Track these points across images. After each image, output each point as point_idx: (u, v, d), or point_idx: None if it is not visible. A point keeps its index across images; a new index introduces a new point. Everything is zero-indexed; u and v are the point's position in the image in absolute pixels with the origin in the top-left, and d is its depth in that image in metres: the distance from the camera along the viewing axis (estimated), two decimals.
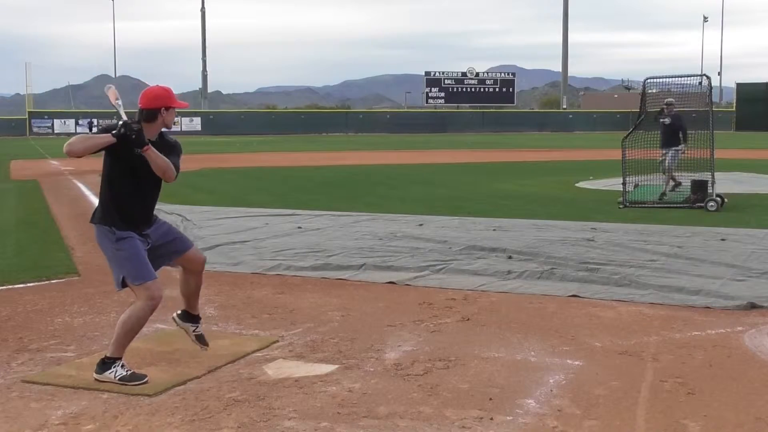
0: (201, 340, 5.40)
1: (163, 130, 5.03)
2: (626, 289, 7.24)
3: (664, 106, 14.47)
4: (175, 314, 5.46)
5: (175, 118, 5.13)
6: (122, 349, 4.83)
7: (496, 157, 31.14)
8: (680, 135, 14.30)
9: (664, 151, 14.49)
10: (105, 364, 4.77)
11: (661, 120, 14.50)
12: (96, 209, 4.99)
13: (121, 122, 4.69)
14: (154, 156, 4.78)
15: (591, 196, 16.04)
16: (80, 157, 4.76)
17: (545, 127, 77.78)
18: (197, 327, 5.42)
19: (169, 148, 4.99)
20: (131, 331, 4.83)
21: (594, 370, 4.99)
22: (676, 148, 14.32)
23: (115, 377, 4.69)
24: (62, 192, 17.96)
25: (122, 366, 4.76)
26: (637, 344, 5.54)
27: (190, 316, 5.42)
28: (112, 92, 5.11)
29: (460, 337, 5.77)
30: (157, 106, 4.90)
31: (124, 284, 4.88)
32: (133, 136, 4.67)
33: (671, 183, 14.57)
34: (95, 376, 4.76)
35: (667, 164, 14.44)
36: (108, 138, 4.68)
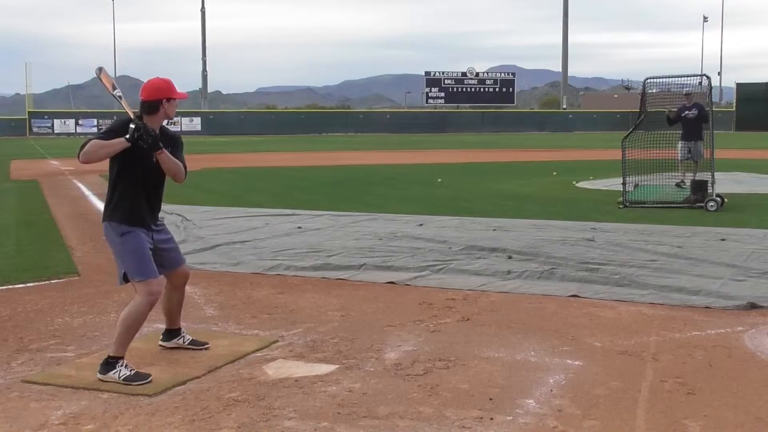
0: (195, 343, 5.42)
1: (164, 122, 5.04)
2: (626, 289, 7.24)
3: (685, 99, 14.89)
4: (159, 341, 5.47)
5: (176, 118, 5.14)
6: (124, 348, 4.83)
7: (496, 157, 31.14)
8: (703, 125, 14.74)
9: (686, 143, 14.97)
10: (108, 364, 4.76)
11: (686, 114, 14.97)
12: (105, 206, 5.01)
13: (133, 126, 4.68)
14: (167, 159, 4.82)
15: (591, 196, 16.03)
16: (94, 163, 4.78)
17: (545, 127, 77.78)
18: (182, 336, 5.44)
19: (172, 141, 5.01)
20: (132, 327, 4.84)
21: (594, 370, 4.99)
22: (700, 139, 14.72)
23: (119, 378, 4.68)
24: (62, 192, 17.96)
25: (125, 366, 4.75)
26: (637, 344, 5.54)
27: (172, 333, 5.45)
28: (105, 77, 5.06)
29: (460, 337, 5.77)
30: (159, 97, 4.90)
31: (125, 279, 4.91)
32: (150, 141, 4.69)
33: (679, 179, 14.87)
34: (99, 376, 4.75)
35: (694, 157, 14.93)
36: (123, 144, 4.68)
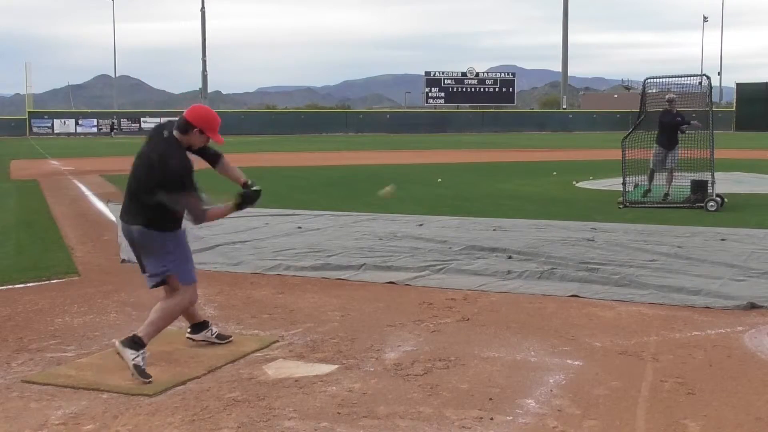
0: (221, 337, 5.54)
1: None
2: (626, 289, 7.24)
3: (668, 105, 14.36)
4: (187, 335, 5.55)
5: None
6: (151, 336, 4.93)
7: (496, 157, 31.14)
8: (678, 133, 14.20)
9: (660, 150, 14.27)
10: (135, 343, 4.80)
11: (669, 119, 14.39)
12: (130, 210, 5.04)
13: (241, 194, 5.39)
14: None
15: (591, 196, 16.04)
16: None
17: (545, 127, 77.80)
18: (211, 329, 5.54)
19: (212, 157, 5.48)
20: (170, 318, 5.06)
21: (594, 370, 4.99)
22: (677, 146, 14.27)
23: (131, 360, 4.73)
24: (62, 192, 17.95)
25: (144, 357, 4.80)
26: (637, 344, 5.54)
27: (199, 326, 5.53)
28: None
29: (460, 337, 5.77)
30: (196, 124, 5.03)
31: (161, 282, 5.08)
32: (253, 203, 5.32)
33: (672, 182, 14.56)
34: (117, 344, 4.82)
35: (668, 164, 14.38)
36: (232, 210, 5.31)
